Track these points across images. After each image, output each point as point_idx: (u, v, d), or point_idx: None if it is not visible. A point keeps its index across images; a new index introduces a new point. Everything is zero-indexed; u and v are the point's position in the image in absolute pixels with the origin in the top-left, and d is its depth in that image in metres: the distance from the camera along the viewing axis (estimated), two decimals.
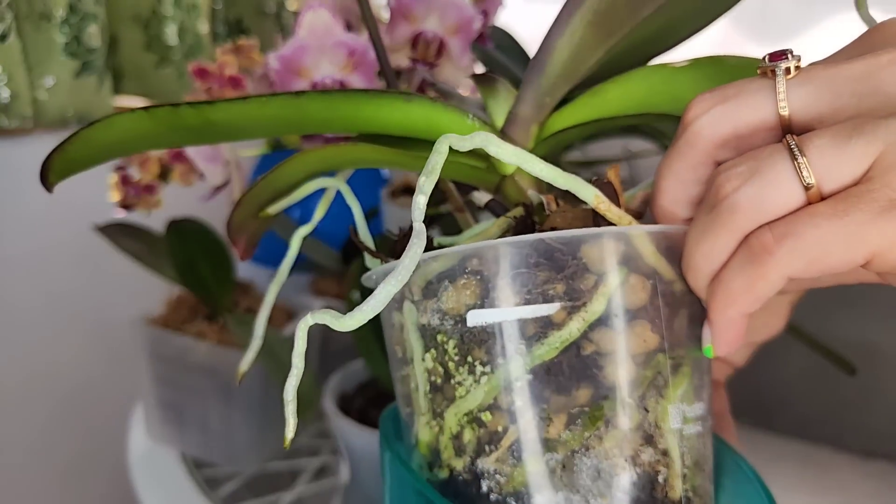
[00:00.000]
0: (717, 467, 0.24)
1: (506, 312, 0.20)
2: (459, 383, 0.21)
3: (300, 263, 0.71)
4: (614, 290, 0.20)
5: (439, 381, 0.21)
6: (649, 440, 0.20)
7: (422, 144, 0.21)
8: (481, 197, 0.25)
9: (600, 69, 0.22)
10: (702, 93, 0.19)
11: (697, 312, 0.22)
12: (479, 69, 0.58)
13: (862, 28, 0.24)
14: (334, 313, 0.19)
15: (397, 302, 0.23)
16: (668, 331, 0.21)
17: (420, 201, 0.18)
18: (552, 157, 0.22)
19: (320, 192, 0.94)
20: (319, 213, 0.27)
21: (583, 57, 0.21)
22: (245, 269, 0.69)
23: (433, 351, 0.21)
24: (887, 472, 1.18)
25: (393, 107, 0.20)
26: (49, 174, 0.22)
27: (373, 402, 0.53)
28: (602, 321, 0.20)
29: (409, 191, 0.80)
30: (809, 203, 0.18)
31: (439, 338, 0.21)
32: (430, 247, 0.25)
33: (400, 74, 0.44)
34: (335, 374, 0.53)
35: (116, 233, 0.57)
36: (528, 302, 0.20)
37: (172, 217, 0.55)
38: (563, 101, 0.23)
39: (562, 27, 0.20)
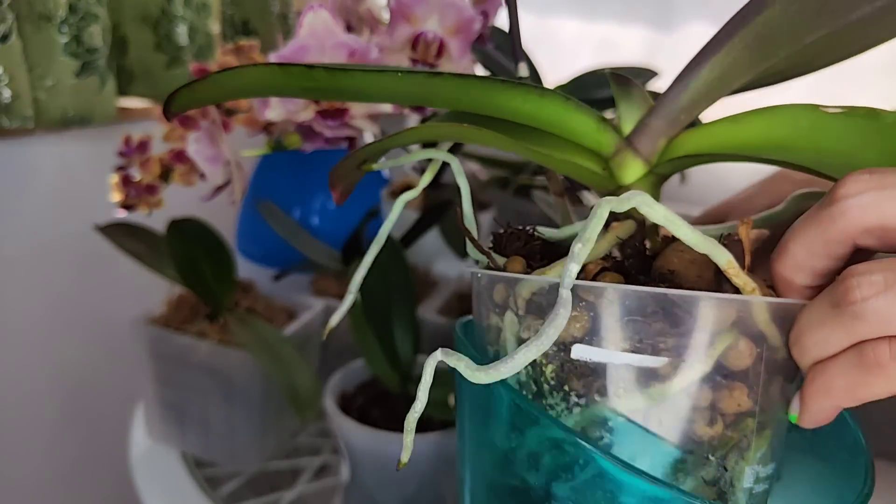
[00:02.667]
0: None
1: (613, 355, 0.20)
2: (550, 406, 0.21)
3: (300, 263, 0.71)
4: (723, 352, 0.20)
5: (530, 396, 0.21)
6: (721, 496, 0.20)
7: (541, 136, 0.21)
8: (591, 198, 0.25)
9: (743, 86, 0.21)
10: (860, 171, 0.18)
11: (792, 376, 0.21)
12: (479, 70, 0.58)
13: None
14: (468, 362, 0.18)
15: (499, 307, 0.22)
16: (763, 396, 0.21)
17: (572, 269, 0.17)
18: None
19: (320, 193, 0.93)
20: (427, 178, 0.27)
21: (731, 78, 0.20)
22: (245, 269, 0.69)
23: (529, 368, 0.21)
24: (886, 471, 1.19)
25: (526, 98, 0.20)
26: (172, 104, 0.22)
27: (373, 401, 0.53)
28: (703, 379, 0.20)
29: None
30: None
31: (538, 358, 0.20)
32: (529, 236, 0.24)
33: None
34: (336, 373, 0.54)
35: (117, 233, 0.58)
36: (637, 350, 0.19)
37: (173, 217, 0.55)
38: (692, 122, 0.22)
39: (718, 45, 0.20)
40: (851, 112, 0.18)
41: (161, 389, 0.59)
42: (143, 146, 0.53)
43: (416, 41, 0.40)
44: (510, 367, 0.18)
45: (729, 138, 0.20)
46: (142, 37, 0.84)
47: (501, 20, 0.45)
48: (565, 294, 0.18)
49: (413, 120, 1.19)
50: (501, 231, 0.25)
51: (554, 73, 0.92)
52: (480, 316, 0.24)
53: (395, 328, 0.52)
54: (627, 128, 0.22)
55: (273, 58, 0.38)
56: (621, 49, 1.44)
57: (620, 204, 0.18)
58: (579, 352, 0.20)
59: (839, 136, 0.18)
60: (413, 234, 0.64)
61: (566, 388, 0.20)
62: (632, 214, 0.22)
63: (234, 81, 0.21)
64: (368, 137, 0.85)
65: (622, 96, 0.22)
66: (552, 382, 0.20)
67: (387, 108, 0.41)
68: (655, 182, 0.22)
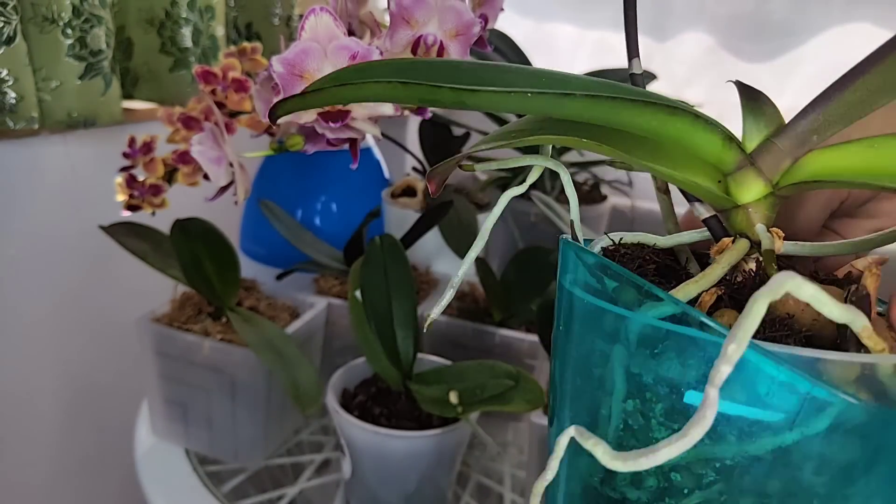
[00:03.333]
0: None
1: (727, 406, 0.18)
2: (656, 440, 0.20)
3: (303, 263, 0.72)
4: (839, 413, 0.18)
5: (636, 427, 0.20)
6: None
7: (656, 147, 0.21)
8: (702, 209, 0.23)
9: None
10: None
11: None
12: None
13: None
14: (606, 448, 0.18)
15: (608, 334, 0.21)
16: None
17: (724, 371, 0.16)
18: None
19: (322, 194, 0.94)
20: (533, 176, 0.26)
21: (875, 100, 0.18)
22: (249, 269, 0.70)
23: (638, 401, 0.20)
24: None
25: (654, 116, 0.20)
26: (279, 111, 0.22)
27: (374, 398, 0.53)
28: (816, 437, 0.18)
29: (408, 192, 0.81)
30: None
31: (648, 395, 0.20)
32: (642, 254, 0.23)
33: None
34: (337, 371, 0.54)
35: (122, 233, 0.58)
36: (750, 403, 0.19)
37: (178, 217, 0.56)
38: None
39: (869, 65, 0.18)
40: None
41: (165, 387, 0.59)
42: (148, 147, 0.54)
43: (416, 44, 0.40)
44: (651, 460, 0.17)
45: (863, 164, 0.18)
46: (147, 39, 0.85)
47: (501, 24, 0.46)
48: (713, 395, 0.16)
49: (413, 121, 1.19)
50: (612, 249, 0.23)
51: None
52: (573, 332, 0.23)
53: (397, 326, 0.52)
54: (751, 145, 0.21)
55: (274, 61, 0.39)
56: (617, 54, 1.44)
57: (774, 293, 0.17)
58: (694, 399, 0.19)
59: None
60: (414, 233, 0.65)
61: (676, 427, 0.19)
62: (747, 234, 0.21)
63: (352, 94, 0.20)
64: (370, 139, 0.85)
65: (750, 110, 0.21)
66: (661, 419, 0.20)
67: (388, 110, 0.42)
68: (774, 204, 0.21)
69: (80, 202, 0.82)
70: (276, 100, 0.21)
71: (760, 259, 0.21)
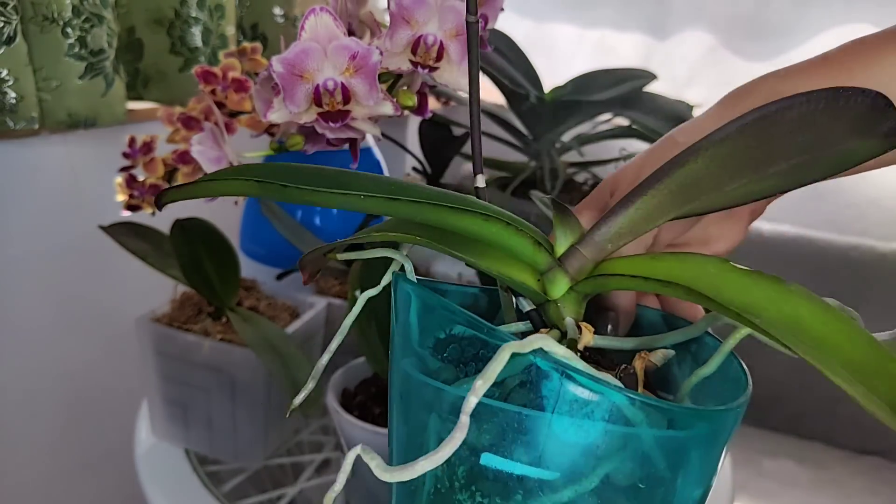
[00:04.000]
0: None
1: (515, 466, 0.21)
2: (459, 502, 0.22)
3: None
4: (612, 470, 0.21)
5: (443, 490, 0.23)
6: None
7: (485, 248, 0.24)
8: (525, 304, 0.27)
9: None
10: None
11: None
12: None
13: (855, 31, 0.24)
14: (380, 462, 0.21)
15: (427, 404, 0.24)
16: None
17: (471, 402, 0.19)
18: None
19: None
20: (386, 280, 0.31)
21: (654, 217, 0.23)
22: (249, 269, 0.70)
23: (444, 465, 0.22)
24: (880, 468, 1.19)
25: (472, 221, 0.24)
26: (164, 198, 0.25)
27: (374, 398, 0.53)
28: (592, 492, 0.21)
29: None
30: None
31: (453, 458, 0.21)
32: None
33: (400, 77, 0.45)
34: (337, 371, 0.54)
35: (122, 232, 0.58)
36: (535, 463, 0.21)
37: (178, 217, 0.56)
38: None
39: (644, 190, 0.23)
40: (759, 274, 0.20)
41: (165, 387, 0.60)
42: (148, 147, 0.54)
43: (416, 44, 0.40)
44: (409, 472, 0.19)
45: (644, 269, 0.23)
46: (156, 40, 0.85)
47: (501, 24, 0.46)
48: (465, 420, 0.19)
49: (414, 121, 1.19)
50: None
51: (552, 77, 0.93)
52: (412, 408, 0.25)
53: None
54: (560, 250, 0.25)
55: (275, 61, 0.39)
56: (617, 54, 1.44)
57: (522, 347, 0.20)
58: (487, 460, 0.21)
59: (741, 288, 0.20)
60: None
61: (473, 488, 0.22)
62: (558, 326, 0.25)
63: (219, 189, 0.24)
64: (370, 139, 0.85)
65: (559, 222, 0.25)
66: (462, 481, 0.22)
67: (388, 110, 0.42)
68: (578, 299, 0.25)
69: (80, 202, 0.82)
70: (164, 187, 0.24)
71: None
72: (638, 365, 0.24)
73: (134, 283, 0.77)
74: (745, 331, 0.22)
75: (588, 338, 0.24)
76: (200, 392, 0.58)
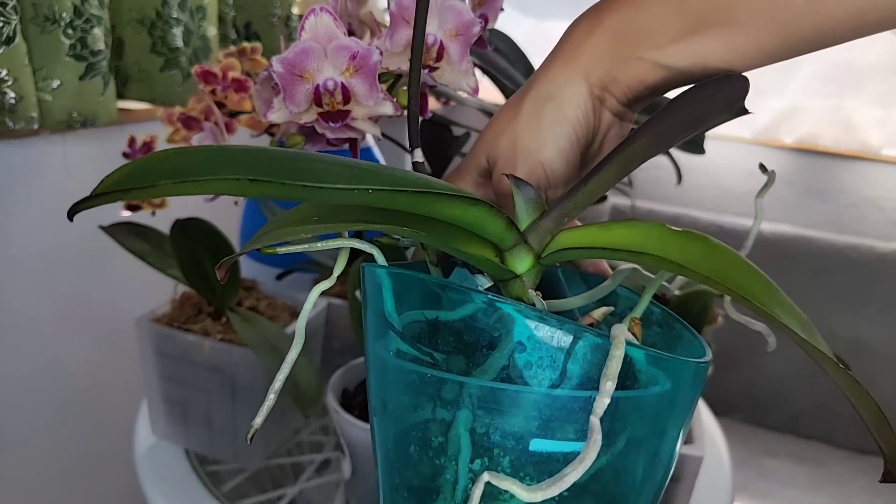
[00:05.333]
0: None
1: (565, 445, 0.22)
2: (501, 490, 0.21)
3: (303, 263, 0.72)
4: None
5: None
6: None
7: (453, 231, 0.25)
8: (483, 281, 0.28)
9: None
10: None
11: None
12: (478, 73, 0.58)
13: None
14: (520, 484, 0.20)
15: (447, 402, 0.23)
16: None
17: (604, 403, 0.20)
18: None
19: None
20: (339, 266, 0.30)
21: (602, 190, 0.26)
22: (249, 269, 0.70)
23: (486, 460, 0.22)
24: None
25: (457, 206, 0.24)
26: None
27: None
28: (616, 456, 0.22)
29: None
30: None
31: (496, 451, 0.22)
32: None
33: (400, 77, 0.45)
34: (337, 371, 0.54)
35: (122, 233, 0.58)
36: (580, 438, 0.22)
37: (178, 217, 0.56)
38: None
39: (598, 171, 0.26)
40: (689, 234, 0.24)
41: (165, 387, 0.60)
42: (148, 147, 0.54)
43: None
44: (558, 486, 0.19)
45: (599, 239, 0.25)
46: (138, 39, 0.85)
47: (501, 23, 0.46)
48: (595, 423, 0.19)
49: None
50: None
51: None
52: (407, 407, 0.25)
53: None
54: (523, 225, 0.27)
55: (275, 61, 0.39)
56: None
57: (620, 342, 0.22)
58: (538, 445, 0.22)
59: (680, 248, 0.23)
60: None
61: (521, 475, 0.22)
62: (522, 298, 0.26)
63: (202, 189, 0.23)
64: (370, 139, 0.85)
65: (520, 198, 0.27)
66: (507, 471, 0.22)
67: (388, 110, 0.42)
68: (539, 271, 0.27)
69: None
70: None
71: None
72: (631, 328, 0.25)
73: (134, 283, 0.77)
74: (665, 275, 0.27)
75: (544, 305, 0.25)
76: (200, 392, 0.58)
